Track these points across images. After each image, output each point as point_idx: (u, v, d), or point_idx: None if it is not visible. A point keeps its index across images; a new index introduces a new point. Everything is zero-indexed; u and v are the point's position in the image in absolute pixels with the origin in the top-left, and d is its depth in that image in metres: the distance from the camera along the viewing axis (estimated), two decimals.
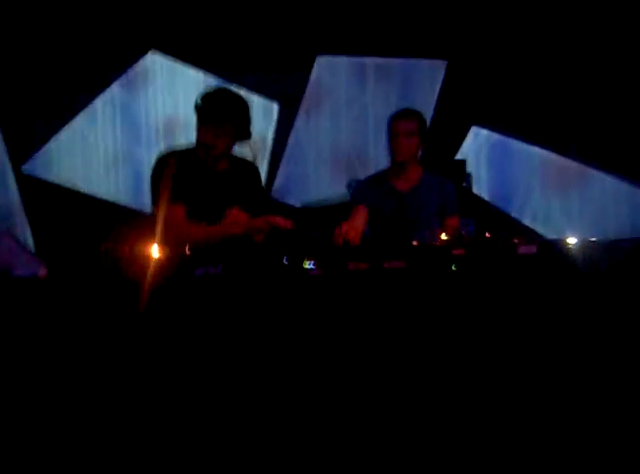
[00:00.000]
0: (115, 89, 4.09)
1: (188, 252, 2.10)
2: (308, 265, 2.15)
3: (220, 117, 2.61)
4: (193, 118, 2.74)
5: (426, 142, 3.15)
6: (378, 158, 3.87)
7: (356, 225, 2.89)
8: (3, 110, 3.97)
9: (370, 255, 2.23)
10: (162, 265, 2.03)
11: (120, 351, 2.01)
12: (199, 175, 2.72)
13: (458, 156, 4.10)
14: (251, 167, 2.89)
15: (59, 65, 3.95)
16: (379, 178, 3.21)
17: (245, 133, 2.72)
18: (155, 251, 2.07)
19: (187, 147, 2.81)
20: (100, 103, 4.10)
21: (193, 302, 2.01)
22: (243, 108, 2.70)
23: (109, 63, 3.99)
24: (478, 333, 2.12)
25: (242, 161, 2.86)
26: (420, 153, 3.15)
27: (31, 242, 4.03)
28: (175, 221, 2.58)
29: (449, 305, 2.13)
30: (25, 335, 2.03)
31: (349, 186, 3.58)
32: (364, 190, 3.20)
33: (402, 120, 3.10)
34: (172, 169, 2.67)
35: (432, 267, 2.18)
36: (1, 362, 2.00)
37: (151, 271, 1.98)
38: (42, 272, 2.78)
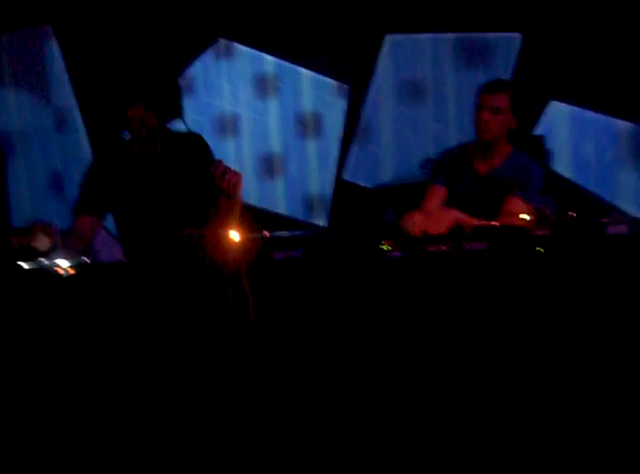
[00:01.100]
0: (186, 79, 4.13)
1: (267, 234, 2.11)
2: (387, 247, 2.12)
3: (140, 87, 2.56)
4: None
5: (519, 119, 2.83)
6: (452, 136, 3.79)
7: (424, 218, 2.65)
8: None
9: (451, 236, 2.18)
10: (243, 248, 2.04)
11: (203, 332, 2.04)
12: (128, 165, 2.66)
13: (535, 132, 3.96)
14: (195, 140, 2.69)
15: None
16: (460, 154, 2.95)
17: (173, 109, 2.61)
18: (236, 235, 2.08)
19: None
20: None
21: (273, 285, 2.02)
22: (165, 79, 2.63)
23: (179, 55, 4.03)
24: (567, 318, 2.04)
25: (182, 136, 2.68)
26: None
27: None
28: (84, 234, 2.61)
29: (534, 289, 2.06)
30: (109, 314, 2.09)
31: (423, 165, 3.46)
32: (443, 166, 2.96)
33: (491, 94, 2.79)
34: (96, 170, 2.69)
35: (515, 248, 2.12)
36: (87, 340, 2.07)
37: (233, 254, 2.00)
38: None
